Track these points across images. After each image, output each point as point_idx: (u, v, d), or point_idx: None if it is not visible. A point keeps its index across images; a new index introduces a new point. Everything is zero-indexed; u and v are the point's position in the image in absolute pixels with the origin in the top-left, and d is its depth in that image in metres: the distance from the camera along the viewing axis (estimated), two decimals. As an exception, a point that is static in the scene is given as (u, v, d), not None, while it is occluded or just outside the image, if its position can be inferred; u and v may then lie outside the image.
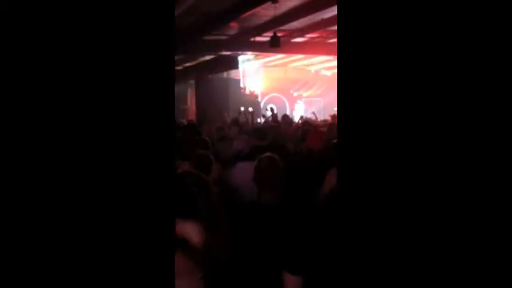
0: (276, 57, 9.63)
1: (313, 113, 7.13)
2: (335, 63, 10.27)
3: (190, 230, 1.14)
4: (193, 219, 1.17)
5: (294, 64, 10.43)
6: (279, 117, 5.73)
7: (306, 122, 4.90)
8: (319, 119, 6.73)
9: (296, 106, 11.19)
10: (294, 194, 2.02)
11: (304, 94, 11.58)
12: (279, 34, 6.28)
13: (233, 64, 8.24)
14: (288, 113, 9.24)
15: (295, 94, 11.38)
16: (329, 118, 6.71)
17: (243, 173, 2.02)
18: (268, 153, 1.84)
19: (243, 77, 10.30)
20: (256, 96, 10.46)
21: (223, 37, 7.29)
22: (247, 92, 10.34)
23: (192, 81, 9.63)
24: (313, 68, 10.81)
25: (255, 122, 5.81)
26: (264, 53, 8.60)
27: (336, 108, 7.53)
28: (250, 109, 5.79)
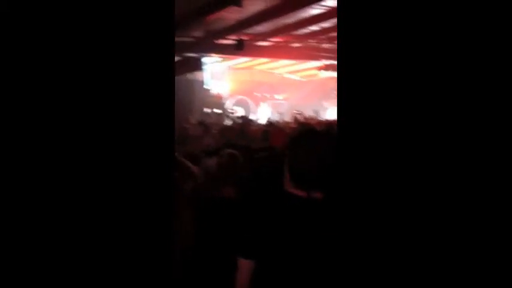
0: (243, 60, 9.76)
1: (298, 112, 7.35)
2: (299, 67, 10.47)
3: None
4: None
5: (260, 67, 10.62)
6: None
7: (269, 123, 5.05)
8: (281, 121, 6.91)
9: (260, 108, 11.36)
10: (257, 189, 2.14)
11: (268, 96, 11.78)
12: (244, 38, 6.39)
13: (197, 66, 8.25)
14: (252, 114, 9.37)
15: (259, 96, 11.55)
16: (293, 119, 6.92)
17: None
18: (228, 150, 1.94)
19: (211, 79, 10.33)
20: (221, 98, 10.50)
21: (188, 39, 7.29)
22: (212, 93, 10.37)
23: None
24: (277, 71, 11.05)
25: (222, 122, 5.86)
26: (229, 56, 8.68)
27: (295, 111, 7.77)
28: (218, 111, 5.84)
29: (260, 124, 5.94)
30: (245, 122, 5.44)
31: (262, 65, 10.28)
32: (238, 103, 10.92)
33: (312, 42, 7.92)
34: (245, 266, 1.17)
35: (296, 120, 6.17)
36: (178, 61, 8.34)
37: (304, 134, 1.28)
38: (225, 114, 8.20)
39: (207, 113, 5.49)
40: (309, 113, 8.28)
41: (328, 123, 4.38)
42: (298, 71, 10.73)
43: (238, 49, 6.28)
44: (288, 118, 7.95)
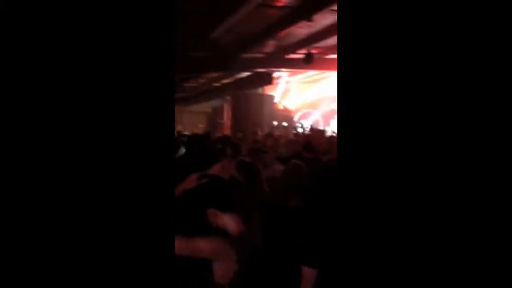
0: (310, 74, 9.79)
1: None
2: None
3: (227, 220, 1.32)
4: (230, 210, 1.35)
5: (325, 81, 10.57)
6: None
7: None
8: None
9: (331, 121, 11.21)
10: (321, 199, 2.16)
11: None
12: (313, 51, 6.44)
13: (268, 80, 8.49)
14: (321, 127, 9.30)
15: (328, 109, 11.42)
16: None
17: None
18: (294, 160, 1.99)
19: (280, 93, 10.53)
20: (290, 112, 10.62)
21: (259, 55, 7.56)
22: (280, 107, 10.55)
23: (229, 97, 9.99)
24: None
25: (289, 135, 5.94)
26: (298, 70, 8.79)
27: None
28: (285, 124, 5.94)
29: (329, 136, 5.89)
30: (314, 134, 5.43)
31: (329, 78, 10.20)
32: (305, 116, 10.93)
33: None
34: (309, 274, 1.20)
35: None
36: (250, 76, 8.70)
37: None
38: (292, 126, 8.28)
39: (275, 126, 5.60)
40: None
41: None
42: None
43: (307, 62, 6.34)
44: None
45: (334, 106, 11.55)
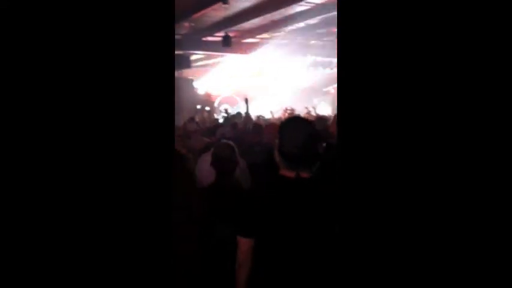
0: (228, 57, 9.78)
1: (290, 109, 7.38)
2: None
3: None
4: None
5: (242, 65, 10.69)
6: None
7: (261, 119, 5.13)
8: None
9: (250, 106, 11.44)
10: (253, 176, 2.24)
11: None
12: (230, 34, 6.43)
13: (185, 63, 8.24)
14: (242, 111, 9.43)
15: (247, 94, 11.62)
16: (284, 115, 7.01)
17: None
18: (224, 140, 2.00)
19: (198, 76, 10.32)
20: (210, 96, 10.52)
21: (175, 36, 7.27)
22: (200, 92, 10.38)
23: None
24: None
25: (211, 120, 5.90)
26: (216, 53, 8.71)
27: (286, 107, 7.85)
28: (208, 108, 5.89)
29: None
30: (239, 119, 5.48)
31: (245, 62, 10.34)
32: (225, 101, 10.96)
33: (300, 39, 8.01)
34: (245, 244, 1.27)
35: (288, 115, 6.26)
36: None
37: (290, 120, 1.38)
38: (215, 111, 8.24)
39: (198, 110, 5.52)
40: (300, 109, 8.37)
41: (319, 117, 4.47)
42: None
43: (225, 45, 6.31)
44: (279, 115, 8.04)
45: (255, 90, 11.83)
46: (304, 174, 1.27)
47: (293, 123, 1.32)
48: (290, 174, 1.28)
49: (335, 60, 9.28)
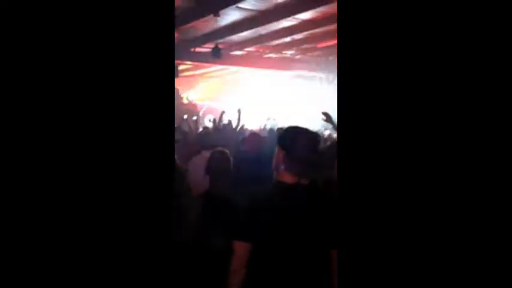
0: (214, 69, 9.88)
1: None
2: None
3: None
4: None
5: (229, 76, 10.81)
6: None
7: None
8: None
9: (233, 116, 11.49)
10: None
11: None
12: (219, 46, 6.52)
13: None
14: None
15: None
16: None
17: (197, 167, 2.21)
18: (219, 148, 2.07)
19: (184, 86, 10.33)
20: (195, 106, 10.54)
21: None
22: (185, 101, 10.38)
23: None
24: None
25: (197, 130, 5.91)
26: (203, 64, 8.78)
27: (269, 117, 7.96)
28: (194, 118, 5.89)
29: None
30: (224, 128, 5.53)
31: (232, 74, 10.46)
32: (209, 111, 10.98)
33: (286, 53, 8.21)
34: (241, 248, 1.30)
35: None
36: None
37: (297, 127, 1.44)
38: (201, 121, 8.25)
39: (186, 120, 5.52)
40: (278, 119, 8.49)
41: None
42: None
43: (215, 56, 6.39)
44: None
45: (238, 101, 11.93)
46: (304, 181, 1.32)
47: (301, 130, 1.38)
48: (291, 179, 1.32)
49: (319, 75, 9.47)
